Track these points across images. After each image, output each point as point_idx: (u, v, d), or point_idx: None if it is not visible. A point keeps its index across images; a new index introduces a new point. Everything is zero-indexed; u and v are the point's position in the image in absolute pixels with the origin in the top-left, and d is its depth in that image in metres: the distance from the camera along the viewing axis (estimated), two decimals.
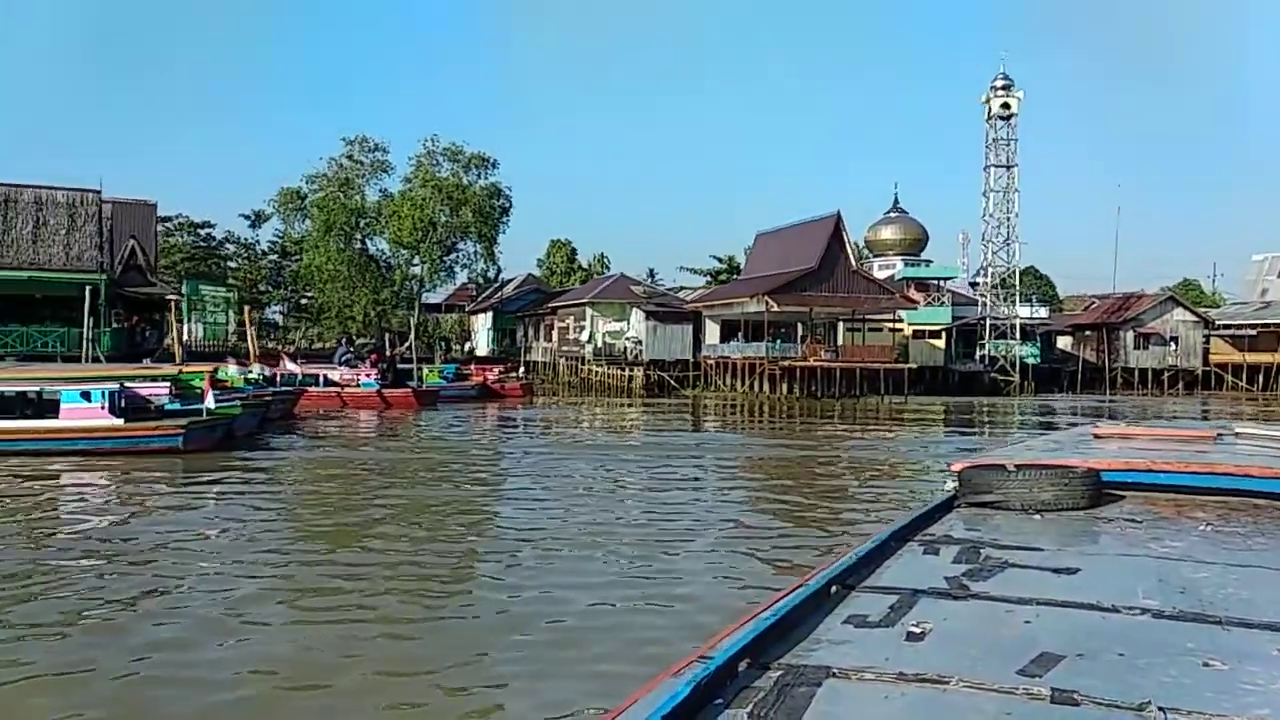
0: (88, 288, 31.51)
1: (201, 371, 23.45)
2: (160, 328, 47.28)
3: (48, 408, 18.13)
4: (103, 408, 18.08)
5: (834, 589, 2.96)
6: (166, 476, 16.74)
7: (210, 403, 19.26)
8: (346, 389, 35.49)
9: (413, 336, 59.68)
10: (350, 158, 58.14)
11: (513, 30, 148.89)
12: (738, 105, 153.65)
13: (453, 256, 60.80)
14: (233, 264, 76.73)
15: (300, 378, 33.98)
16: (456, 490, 16.34)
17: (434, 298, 73.34)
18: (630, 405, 40.93)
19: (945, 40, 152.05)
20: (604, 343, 50.82)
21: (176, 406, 20.35)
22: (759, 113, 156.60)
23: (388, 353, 39.28)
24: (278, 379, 33.54)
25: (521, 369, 50.67)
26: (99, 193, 37.32)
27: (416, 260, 57.87)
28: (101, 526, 12.57)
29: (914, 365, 48.41)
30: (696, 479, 18.33)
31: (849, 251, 45.68)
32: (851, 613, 2.76)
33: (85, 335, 31.00)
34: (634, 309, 51.25)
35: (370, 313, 58.38)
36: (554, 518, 13.57)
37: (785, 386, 43.71)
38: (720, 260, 74.86)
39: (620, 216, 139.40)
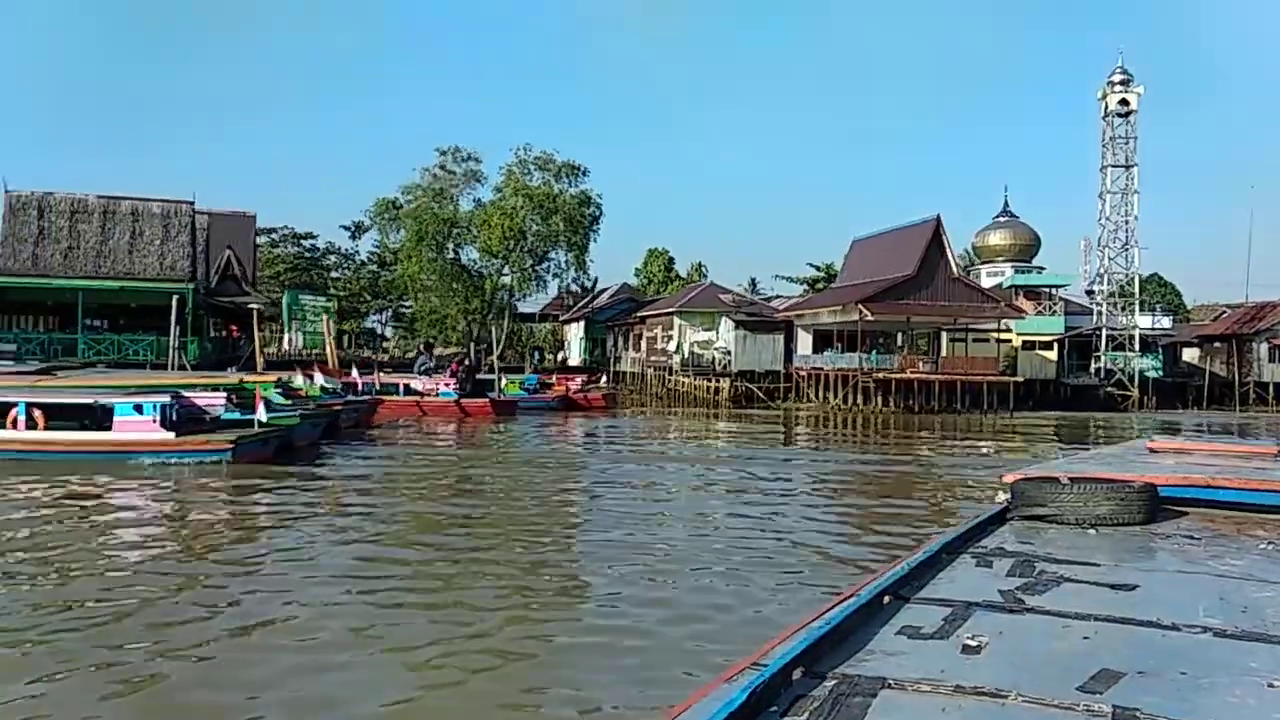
0: (174, 297, 31.86)
1: (265, 381, 23.21)
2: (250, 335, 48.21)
3: (103, 419, 17.91)
4: (154, 420, 17.77)
5: (886, 600, 2.97)
6: (210, 490, 16.26)
7: (262, 414, 18.77)
8: (425, 399, 35.19)
9: (501, 345, 59.59)
10: (443, 168, 58.50)
11: (613, 45, 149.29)
12: (841, 108, 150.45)
13: (544, 265, 60.78)
14: (335, 274, 78.44)
15: (375, 387, 33.70)
16: (507, 501, 15.40)
17: (529, 307, 73.42)
18: (716, 417, 39.59)
19: (1061, 33, 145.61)
20: (691, 353, 49.53)
21: (235, 416, 20.00)
22: (862, 116, 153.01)
23: (467, 362, 38.72)
24: (359, 388, 33.46)
25: (605, 379, 49.82)
26: (192, 204, 38.04)
27: (506, 269, 57.76)
28: (138, 540, 11.99)
29: (1021, 378, 45.56)
30: (784, 494, 17.04)
31: (950, 257, 43.26)
32: (905, 624, 2.76)
33: (171, 344, 31.34)
34: (723, 318, 49.83)
35: (461, 321, 58.45)
36: (632, 533, 12.91)
37: (880, 400, 41.63)
38: (818, 268, 72.74)
39: (720, 225, 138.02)
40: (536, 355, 72.74)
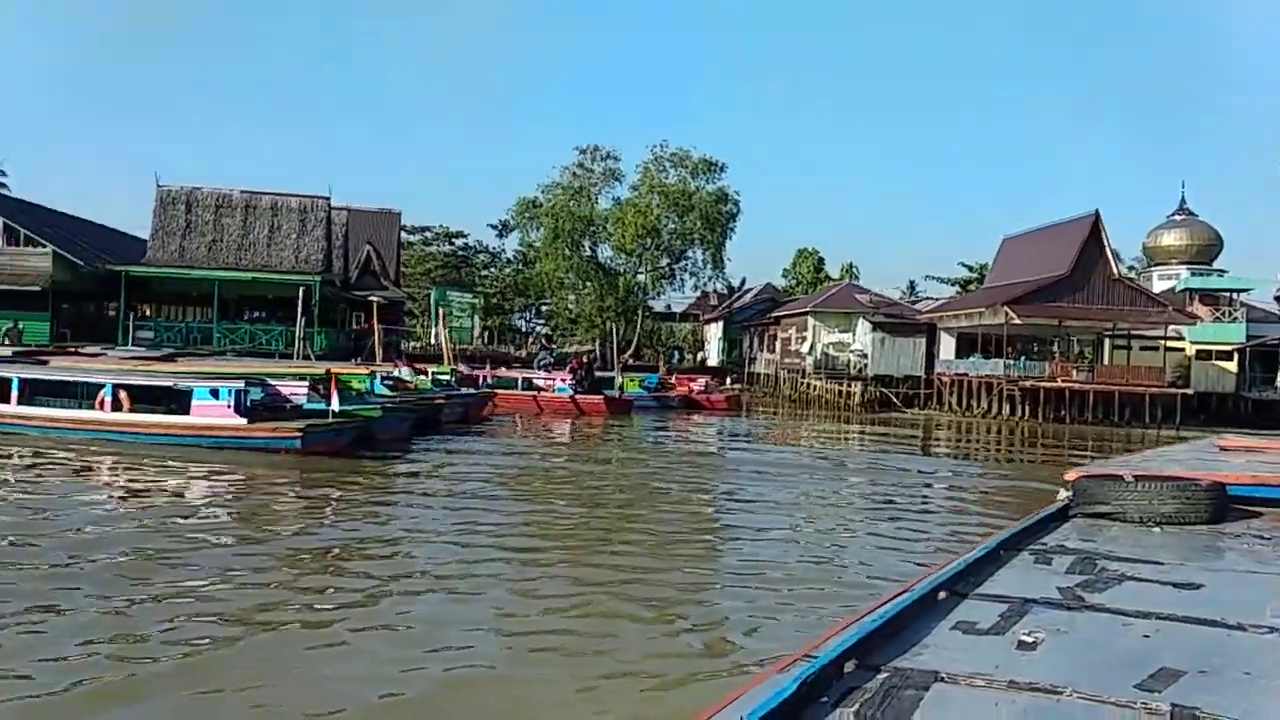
0: (301, 288, 32.75)
1: (356, 374, 23.23)
2: (400, 330, 49.59)
3: (183, 403, 18.15)
4: (228, 406, 17.84)
5: (941, 595, 2.97)
6: (272, 479, 16.11)
7: (335, 404, 18.57)
8: (542, 394, 34.92)
9: (635, 344, 59.13)
10: (582, 166, 58.60)
11: (764, 50, 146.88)
12: (1002, 102, 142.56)
13: (681, 264, 59.95)
14: (484, 272, 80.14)
15: (489, 381, 33.67)
16: (590, 500, 14.46)
17: (671, 306, 72.84)
18: (846, 423, 37.61)
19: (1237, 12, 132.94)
20: (824, 354, 47.46)
21: (319, 406, 19.98)
22: (1025, 110, 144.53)
23: (586, 359, 38.25)
24: (481, 380, 33.55)
25: (729, 380, 48.52)
26: (328, 199, 39.19)
27: (640, 267, 57.23)
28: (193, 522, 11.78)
29: (1193, 390, 41.15)
30: (922, 511, 15.54)
31: (1109, 256, 39.53)
32: (960, 619, 2.76)
33: (298, 334, 32.22)
34: (860, 319, 47.52)
35: (597, 319, 58.32)
36: (744, 540, 12.35)
37: (1026, 410, 38.46)
38: (970, 267, 68.75)
39: (873, 224, 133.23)
40: (675, 355, 72.03)
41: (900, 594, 2.85)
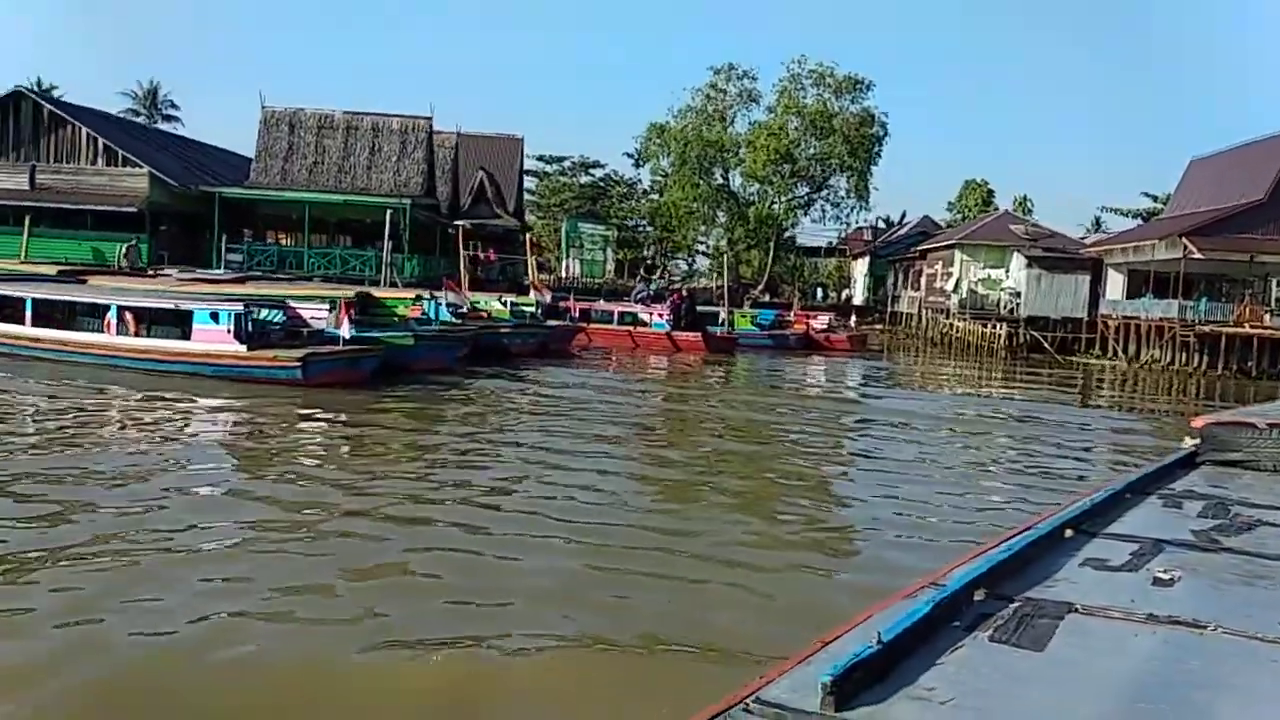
0: (389, 212, 31.23)
1: (404, 298, 21.28)
2: (516, 260, 47.96)
3: (185, 327, 16.58)
4: (228, 331, 16.12)
5: (1068, 533, 2.94)
6: (253, 410, 14.29)
7: (346, 331, 16.56)
8: (637, 329, 32.40)
9: (765, 278, 55.57)
10: (715, 87, 54.78)
11: None
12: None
13: (823, 193, 55.65)
14: (620, 204, 77.74)
15: (573, 314, 31.34)
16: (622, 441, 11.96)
17: (817, 239, 68.33)
18: (989, 370, 33.35)
19: None
20: (970, 292, 42.62)
21: (350, 334, 18.11)
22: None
23: (687, 291, 35.36)
24: (571, 311, 31.38)
25: (859, 319, 44.38)
26: (429, 119, 37.47)
27: (773, 196, 53.29)
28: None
29: None
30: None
31: None
32: (1090, 556, 2.74)
33: (385, 259, 30.80)
34: (1014, 253, 42.31)
35: (724, 251, 55.01)
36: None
37: (1205, 360, 32.89)
38: (1154, 197, 60.84)
39: (1052, 153, 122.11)
40: (818, 292, 67.93)
41: (1024, 529, 2.85)
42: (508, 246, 45.58)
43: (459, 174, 42.71)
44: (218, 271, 27.96)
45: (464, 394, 17.70)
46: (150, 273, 27.25)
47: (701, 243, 59.63)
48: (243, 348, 16.03)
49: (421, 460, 11.86)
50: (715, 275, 55.51)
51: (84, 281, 20.59)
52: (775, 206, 53.89)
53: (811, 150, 52.67)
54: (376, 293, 21.42)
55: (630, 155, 76.57)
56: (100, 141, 32.71)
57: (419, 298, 21.31)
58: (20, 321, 17.58)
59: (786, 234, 60.57)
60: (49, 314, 17.67)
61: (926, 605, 2.04)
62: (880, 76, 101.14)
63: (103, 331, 16.98)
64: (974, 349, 39.60)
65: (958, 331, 41.73)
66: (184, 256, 32.83)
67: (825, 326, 37.37)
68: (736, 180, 54.89)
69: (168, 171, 33.84)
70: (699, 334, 31.41)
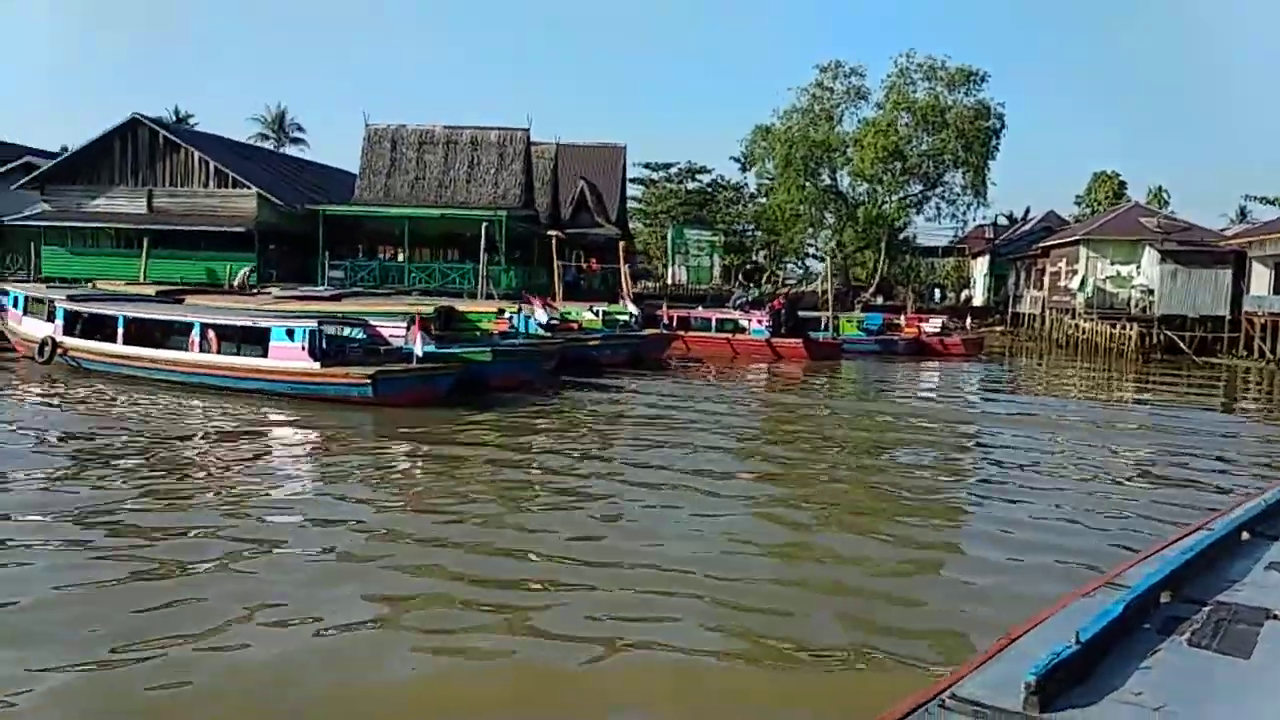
0: (484, 224, 31.21)
1: (488, 312, 20.95)
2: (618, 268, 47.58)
3: (263, 345, 16.58)
4: (302, 348, 16.02)
5: (1244, 535, 2.85)
6: (317, 428, 14.08)
7: (419, 348, 16.22)
8: (736, 337, 31.42)
9: (877, 280, 53.64)
10: (821, 85, 53.27)
11: None
12: None
13: (937, 190, 53.41)
14: (727, 209, 76.71)
15: (665, 321, 30.50)
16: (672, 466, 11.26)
17: (939, 239, 65.65)
18: (1120, 373, 31.02)
19: None
20: (1097, 290, 39.90)
21: (421, 350, 17.88)
22: None
23: (790, 294, 34.12)
24: (665, 320, 30.59)
25: (972, 321, 42.12)
26: (527, 131, 37.40)
27: (882, 194, 51.35)
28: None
29: None
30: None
31: None
32: (1274, 560, 2.65)
33: (481, 272, 30.75)
34: (1145, 248, 39.41)
35: (836, 254, 53.40)
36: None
37: None
38: None
39: (1193, 139, 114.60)
40: (936, 293, 65.39)
41: (1197, 530, 2.76)
42: (610, 256, 45.25)
43: (558, 184, 42.55)
44: (318, 289, 28.38)
45: (546, 409, 17.17)
46: (254, 291, 27.88)
47: (811, 245, 58.08)
48: (316, 365, 15.89)
49: (503, 481, 11.32)
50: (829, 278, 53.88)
51: (180, 301, 21.00)
52: (885, 206, 51.93)
53: (923, 146, 50.66)
54: (461, 306, 21.14)
55: (737, 159, 75.63)
56: (211, 165, 33.80)
57: (502, 311, 20.93)
58: (113, 340, 17.96)
59: (902, 234, 58.48)
60: (141, 332, 18.00)
61: (1119, 606, 2.00)
62: (1001, 67, 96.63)
63: (188, 349, 17.15)
64: (1102, 351, 37.00)
65: (1083, 333, 39.10)
66: (292, 274, 33.60)
67: (938, 330, 35.54)
68: (845, 180, 53.28)
69: (276, 191, 34.73)
70: (800, 340, 30.21)
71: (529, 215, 36.01)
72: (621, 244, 33.21)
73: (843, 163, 51.92)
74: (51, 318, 18.98)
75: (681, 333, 30.83)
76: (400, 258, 36.32)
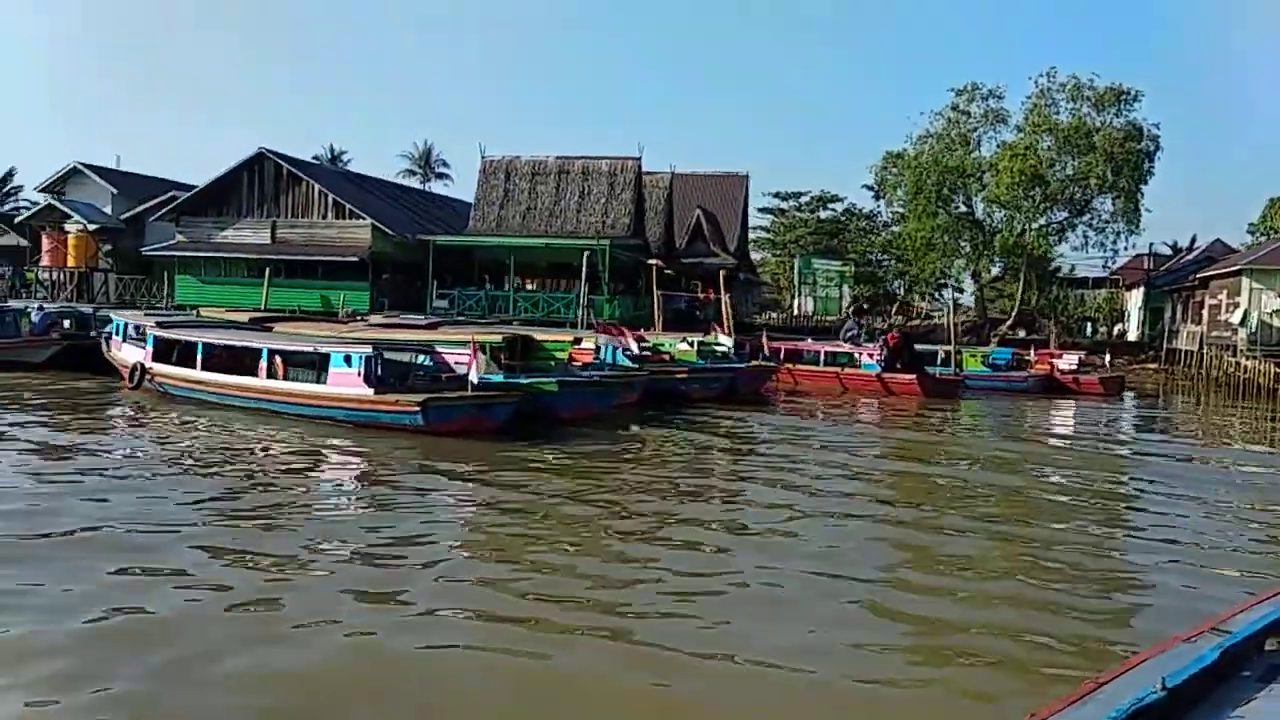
0: (585, 253, 30.86)
1: (564, 341, 20.32)
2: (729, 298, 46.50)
3: (323, 371, 16.43)
4: (359, 374, 15.74)
5: None
6: (365, 457, 13.70)
7: (474, 375, 15.68)
8: (846, 371, 29.80)
9: (1014, 314, 50.46)
10: (956, 109, 50.88)
11: None
12: None
13: (1085, 218, 50.00)
14: (860, 239, 74.48)
15: (765, 354, 29.07)
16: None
17: (1093, 270, 61.50)
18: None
19: None
20: (1262, 325, 36.11)
21: (476, 378, 17.41)
22: None
23: (906, 327, 32.13)
24: (768, 351, 29.20)
25: (1107, 357, 38.83)
26: (638, 160, 37.03)
27: (1023, 222, 48.37)
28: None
29: None
30: None
31: None
32: None
33: (581, 301, 30.38)
34: None
35: (970, 285, 50.70)
36: None
37: None
38: None
39: None
40: (1088, 328, 61.32)
41: None
42: (728, 286, 44.27)
43: (672, 213, 41.95)
44: (416, 316, 28.57)
45: (611, 444, 16.32)
46: (357, 319, 28.28)
47: (946, 275, 55.39)
48: (370, 391, 15.56)
49: (560, 524, 10.49)
50: (969, 309, 51.30)
51: (268, 328, 21.29)
52: (1025, 234, 48.90)
53: (1068, 170, 47.52)
54: (539, 336, 20.58)
55: (870, 187, 73.38)
56: (330, 197, 34.86)
57: (578, 340, 20.23)
58: (194, 365, 18.24)
59: (1053, 264, 55.17)
60: (219, 359, 18.22)
61: (1214, 652, 1.96)
62: (1172, 87, 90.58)
63: (257, 375, 17.20)
64: (1265, 392, 33.29)
65: (1245, 371, 35.36)
66: (404, 303, 34.14)
67: (1073, 367, 32.78)
68: (980, 207, 50.55)
69: (391, 222, 35.50)
70: (913, 376, 28.33)
71: (635, 245, 35.46)
72: (722, 273, 32.07)
73: (977, 189, 49.30)
74: (144, 344, 19.51)
75: (785, 365, 29.47)
76: (505, 287, 36.49)
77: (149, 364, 19.03)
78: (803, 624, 7.33)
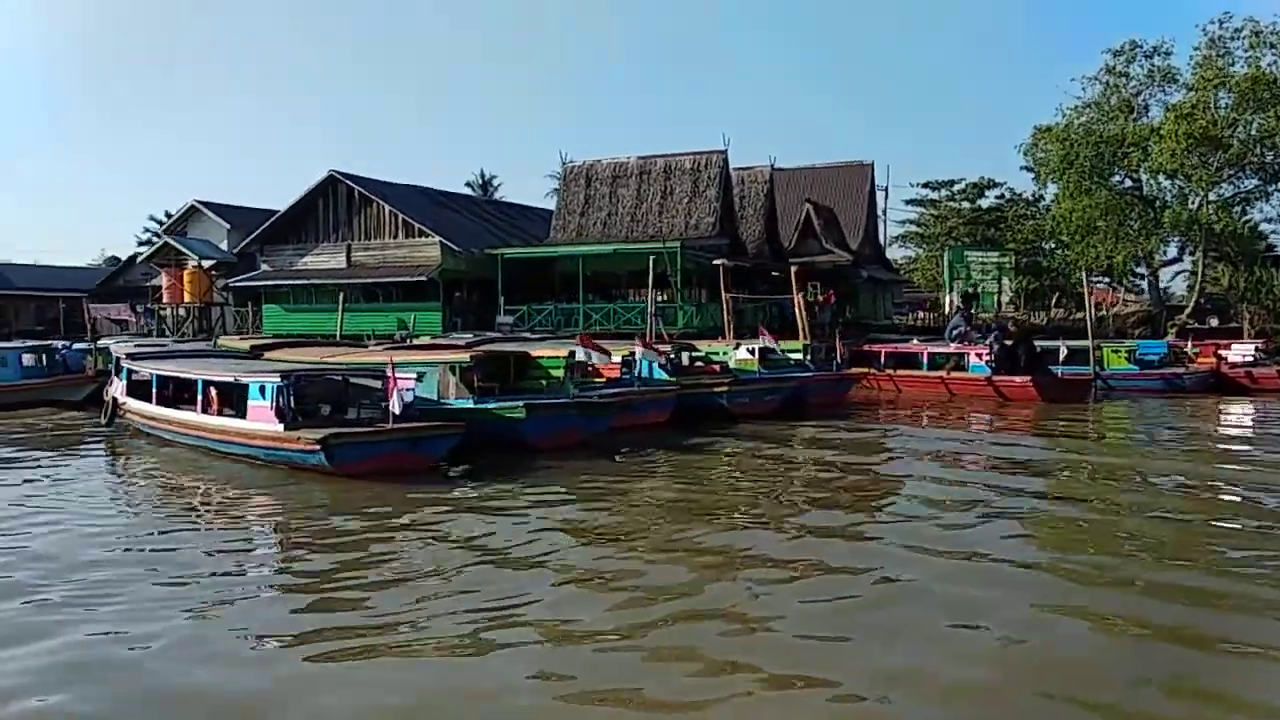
0: (651, 258, 28.06)
1: (557, 357, 17.56)
2: (848, 300, 42.33)
3: (244, 405, 14.39)
4: (269, 408, 13.56)
5: None
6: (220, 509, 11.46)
7: (395, 405, 13.17)
8: (953, 375, 25.56)
9: (1193, 298, 43.50)
10: (1113, 71, 44.57)
11: None
12: None
13: (1276, 186, 42.62)
14: (1019, 226, 67.67)
15: (839, 359, 25.00)
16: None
17: None
18: None
19: None
20: None
21: (462, 404, 15.04)
22: None
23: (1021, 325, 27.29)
24: (839, 358, 25.13)
25: None
26: (723, 153, 33.84)
27: (1195, 193, 41.58)
28: None
29: None
30: None
31: None
32: None
33: (650, 310, 27.53)
34: None
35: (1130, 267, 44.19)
36: None
37: None
38: None
39: None
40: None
41: None
42: (840, 285, 40.16)
43: (775, 209, 38.38)
44: (463, 335, 26.56)
45: (586, 479, 13.30)
46: (409, 340, 26.61)
47: (1111, 260, 48.77)
48: (279, 426, 13.33)
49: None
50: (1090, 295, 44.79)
51: (260, 355, 19.60)
52: (1204, 207, 42.05)
53: (1252, 129, 40.44)
54: (535, 352, 17.96)
55: (1028, 168, 66.57)
56: (400, 216, 33.64)
57: (573, 354, 17.32)
58: (149, 399, 16.75)
59: (1264, 241, 47.78)
60: (169, 391, 16.65)
61: None
62: None
63: (195, 410, 15.42)
64: None
65: None
66: (477, 321, 32.40)
67: (1246, 359, 26.97)
68: (1147, 180, 43.96)
69: (467, 237, 33.95)
70: (1028, 378, 23.76)
71: (715, 245, 32.15)
72: (794, 269, 28.24)
73: (1141, 160, 42.83)
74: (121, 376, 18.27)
75: (885, 371, 25.66)
76: (590, 297, 34.05)
77: (121, 398, 17.73)
78: None
